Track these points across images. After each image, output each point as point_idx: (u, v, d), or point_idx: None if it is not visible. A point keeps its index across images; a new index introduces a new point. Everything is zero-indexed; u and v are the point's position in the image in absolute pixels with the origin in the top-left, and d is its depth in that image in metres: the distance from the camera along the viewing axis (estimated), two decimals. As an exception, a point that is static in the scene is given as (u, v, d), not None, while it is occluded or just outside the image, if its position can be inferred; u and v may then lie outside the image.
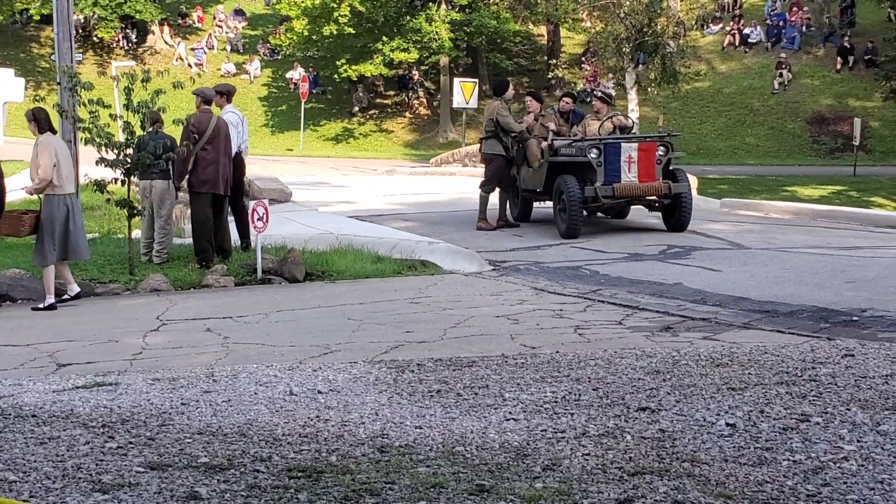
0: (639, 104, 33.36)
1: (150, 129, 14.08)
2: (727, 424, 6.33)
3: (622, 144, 16.29)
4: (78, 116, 14.21)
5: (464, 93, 38.16)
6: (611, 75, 35.11)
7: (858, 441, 5.97)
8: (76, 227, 12.35)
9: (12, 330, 10.73)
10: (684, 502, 5.10)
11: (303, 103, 44.99)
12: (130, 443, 6.03)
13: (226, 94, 15.14)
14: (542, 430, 6.30)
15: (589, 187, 16.14)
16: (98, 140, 13.37)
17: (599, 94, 18.44)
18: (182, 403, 6.98)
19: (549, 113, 18.48)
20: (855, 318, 9.98)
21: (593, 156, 16.25)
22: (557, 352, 8.54)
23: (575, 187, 16.10)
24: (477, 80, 40.78)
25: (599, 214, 17.68)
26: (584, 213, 16.51)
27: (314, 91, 48.44)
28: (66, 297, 12.34)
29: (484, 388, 7.34)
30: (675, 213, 16.66)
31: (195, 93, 14.60)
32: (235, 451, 5.88)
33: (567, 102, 18.86)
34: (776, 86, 45.13)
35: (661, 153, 16.34)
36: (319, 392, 7.27)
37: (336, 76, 46.73)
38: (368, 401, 7.04)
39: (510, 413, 6.69)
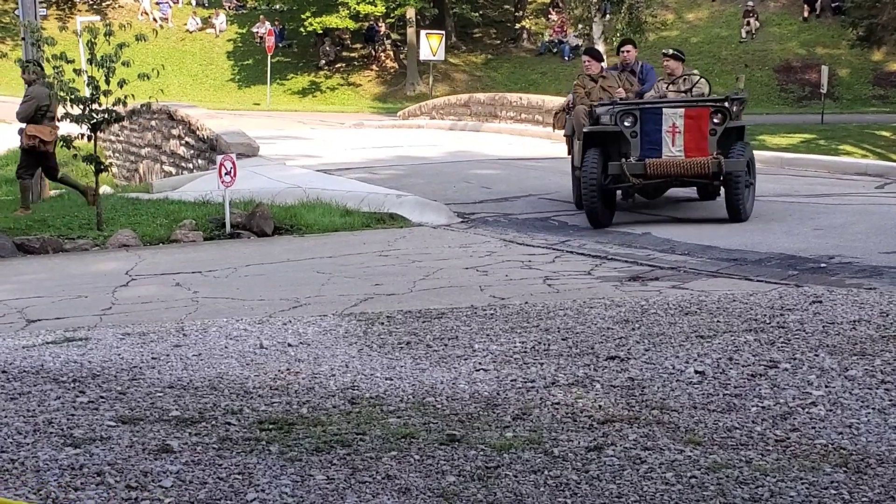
0: (606, 55, 33.28)
1: None
2: (696, 372, 6.37)
3: (664, 111, 12.96)
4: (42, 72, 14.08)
5: (430, 45, 38.05)
6: (579, 25, 34.99)
7: (826, 386, 6.03)
8: None
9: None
10: (654, 449, 5.14)
11: (269, 57, 44.68)
12: (101, 397, 6.02)
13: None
14: (511, 380, 6.33)
15: (614, 163, 12.91)
16: (63, 95, 13.26)
17: (671, 51, 14.67)
18: (153, 358, 6.97)
19: (610, 74, 14.95)
20: (823, 265, 10.05)
21: (627, 125, 12.99)
22: (527, 302, 8.57)
23: (592, 163, 12.94)
24: (443, 33, 40.69)
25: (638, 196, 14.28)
26: (618, 194, 13.57)
27: (280, 45, 48.11)
28: None
29: (454, 339, 7.35)
30: (727, 198, 12.96)
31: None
32: (206, 405, 5.88)
33: (628, 51, 15.20)
34: (744, 34, 45.14)
35: (716, 122, 12.84)
36: (289, 345, 7.27)
37: (302, 30, 46.44)
38: (339, 353, 7.05)
39: (480, 364, 6.72)
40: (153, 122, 23.55)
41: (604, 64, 15.38)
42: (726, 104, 13.11)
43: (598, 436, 5.34)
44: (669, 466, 4.94)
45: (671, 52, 14.58)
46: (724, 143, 12.93)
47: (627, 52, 15.17)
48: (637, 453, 5.10)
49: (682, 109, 12.97)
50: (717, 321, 7.59)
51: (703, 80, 14.31)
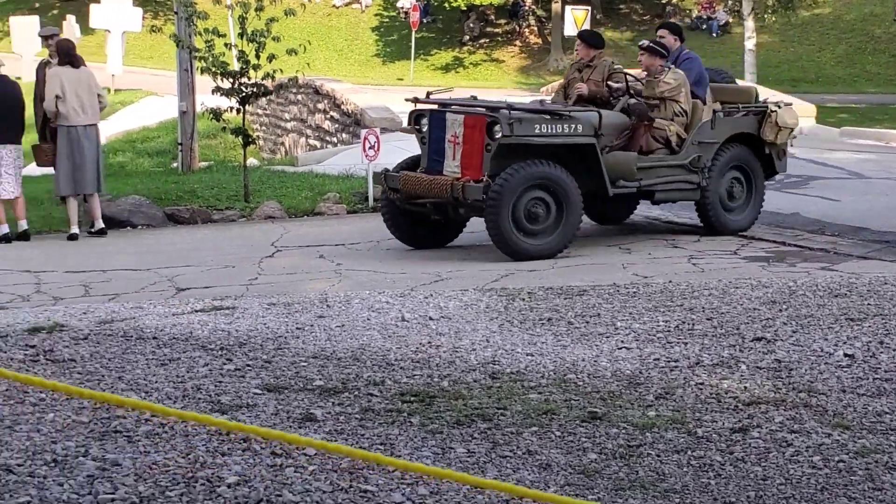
0: (756, 32, 32.62)
1: None
2: (845, 355, 6.24)
3: (447, 116, 10.49)
4: (194, 46, 14.35)
5: (575, 21, 37.77)
6: (728, 1, 34.33)
7: (984, 372, 5.86)
8: (82, 159, 12.08)
9: (133, 255, 10.94)
10: (801, 432, 5.05)
11: (413, 33, 44.84)
12: (248, 365, 6.13)
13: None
14: (654, 359, 6.27)
15: (378, 172, 11.22)
16: (213, 69, 13.50)
17: (646, 43, 11.20)
18: (297, 328, 7.07)
19: (604, 65, 11.26)
20: (982, 249, 9.77)
21: (421, 128, 10.75)
22: (670, 281, 8.48)
23: (394, 169, 10.99)
24: (589, 8, 40.31)
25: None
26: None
27: (425, 20, 48.21)
28: (92, 230, 12.18)
29: (595, 316, 7.31)
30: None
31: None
32: (349, 375, 5.95)
33: (662, 37, 11.54)
34: (898, 12, 43.85)
35: (496, 135, 9.97)
36: (431, 319, 7.31)
37: (447, 5, 46.51)
38: (479, 328, 7.06)
39: (622, 342, 6.67)
40: (299, 97, 23.85)
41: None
42: (500, 114, 10.10)
43: (743, 417, 5.27)
44: (816, 450, 4.85)
45: (646, 44, 11.20)
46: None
47: (662, 37, 11.55)
48: (783, 436, 5.01)
49: (463, 117, 10.36)
50: (868, 304, 7.42)
51: (676, 75, 10.86)
